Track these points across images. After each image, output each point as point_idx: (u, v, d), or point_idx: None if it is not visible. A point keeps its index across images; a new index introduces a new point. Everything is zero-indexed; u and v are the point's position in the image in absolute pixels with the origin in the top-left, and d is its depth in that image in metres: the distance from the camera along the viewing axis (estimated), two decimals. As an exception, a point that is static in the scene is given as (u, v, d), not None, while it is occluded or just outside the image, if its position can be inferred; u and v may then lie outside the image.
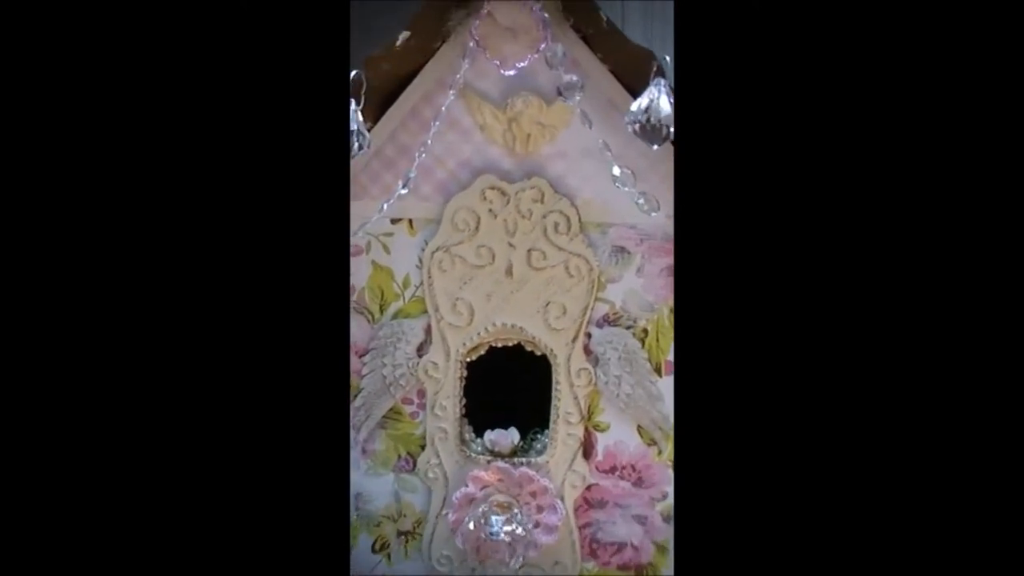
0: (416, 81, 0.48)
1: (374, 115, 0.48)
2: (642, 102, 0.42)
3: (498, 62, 0.45)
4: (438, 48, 0.48)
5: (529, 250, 0.48)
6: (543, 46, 0.44)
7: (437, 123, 0.45)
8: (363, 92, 0.44)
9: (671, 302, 0.48)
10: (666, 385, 0.49)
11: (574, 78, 0.44)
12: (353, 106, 0.43)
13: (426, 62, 0.48)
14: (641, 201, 0.43)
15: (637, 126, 0.42)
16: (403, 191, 0.45)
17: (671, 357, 0.49)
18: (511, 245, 0.48)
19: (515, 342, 0.50)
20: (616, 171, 0.44)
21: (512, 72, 0.45)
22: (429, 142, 0.45)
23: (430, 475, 0.50)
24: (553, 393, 0.50)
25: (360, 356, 0.50)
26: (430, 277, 0.49)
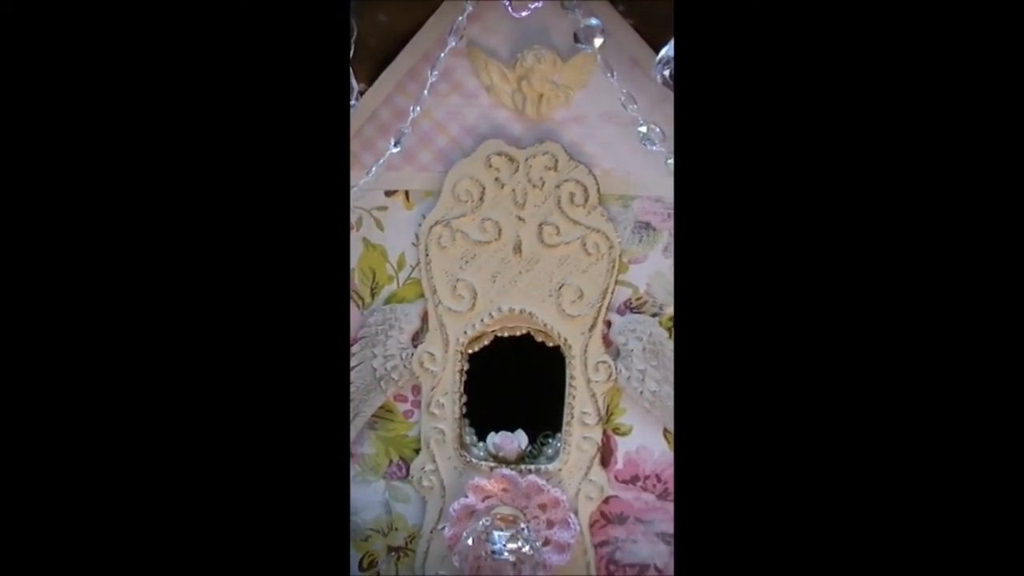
0: (416, 38, 0.46)
1: (368, 76, 0.46)
2: (672, 47, 0.39)
3: (508, 3, 0.41)
4: (441, 2, 0.45)
5: (540, 224, 0.45)
6: (559, -16, 0.41)
7: (435, 73, 0.42)
8: (353, 40, 0.42)
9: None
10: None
11: (593, 21, 0.41)
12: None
13: (427, 18, 0.45)
14: (671, 161, 0.39)
15: (667, 73, 0.38)
16: (395, 149, 0.42)
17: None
18: (520, 219, 0.45)
19: (524, 331, 0.47)
20: (643, 128, 0.41)
21: (525, 13, 0.41)
22: (426, 93, 0.42)
23: (425, 483, 0.48)
24: (567, 390, 0.47)
25: (348, 346, 0.48)
26: (428, 256, 0.46)
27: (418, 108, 0.42)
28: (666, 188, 0.44)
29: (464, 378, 0.47)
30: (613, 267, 0.45)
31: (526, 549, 0.45)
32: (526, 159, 0.45)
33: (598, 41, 0.40)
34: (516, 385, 0.49)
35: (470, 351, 0.47)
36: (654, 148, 0.40)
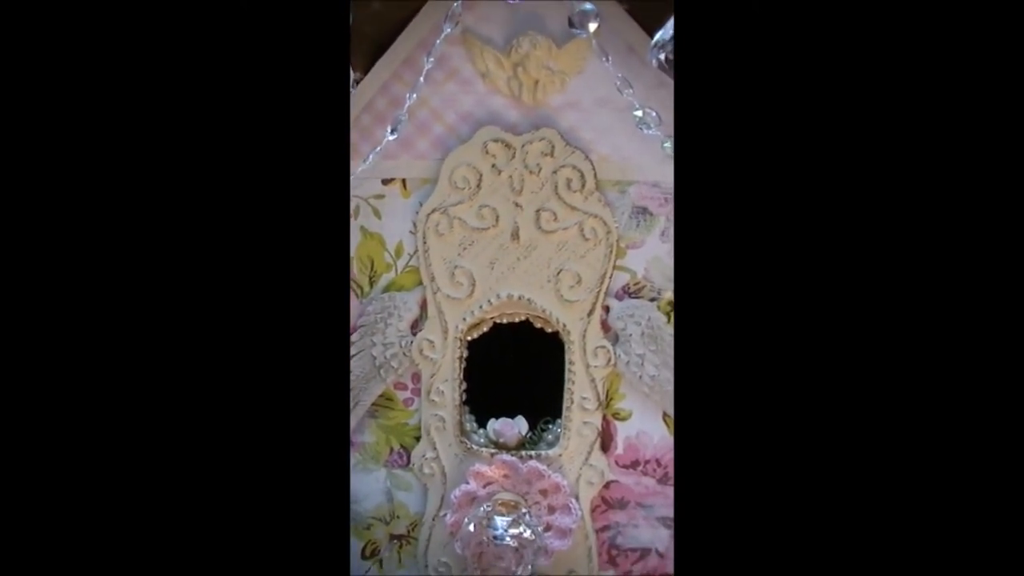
0: (411, 26, 0.45)
1: (364, 64, 0.46)
2: (667, 31, 0.39)
3: (502, -12, 0.41)
4: (436, -11, 0.45)
5: (538, 210, 0.45)
6: (553, -31, 0.41)
7: (431, 60, 0.41)
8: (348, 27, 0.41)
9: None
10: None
11: (588, 6, 0.40)
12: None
13: (422, 5, 0.45)
14: (668, 145, 0.39)
15: (663, 57, 0.38)
16: (391, 137, 0.42)
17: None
18: (517, 205, 0.45)
19: (522, 317, 0.47)
20: (639, 112, 0.41)
21: (519, -1, 0.41)
22: (422, 80, 0.42)
23: (426, 471, 0.48)
24: (566, 376, 0.47)
25: (347, 335, 0.48)
26: (426, 243, 0.46)
27: (414, 96, 0.42)
28: (663, 173, 0.44)
29: (463, 365, 0.47)
30: (611, 252, 0.45)
31: (528, 534, 0.45)
32: (523, 145, 0.44)
33: (593, 26, 0.40)
34: (515, 371, 0.48)
35: (469, 338, 0.47)
36: (650, 132, 0.40)
